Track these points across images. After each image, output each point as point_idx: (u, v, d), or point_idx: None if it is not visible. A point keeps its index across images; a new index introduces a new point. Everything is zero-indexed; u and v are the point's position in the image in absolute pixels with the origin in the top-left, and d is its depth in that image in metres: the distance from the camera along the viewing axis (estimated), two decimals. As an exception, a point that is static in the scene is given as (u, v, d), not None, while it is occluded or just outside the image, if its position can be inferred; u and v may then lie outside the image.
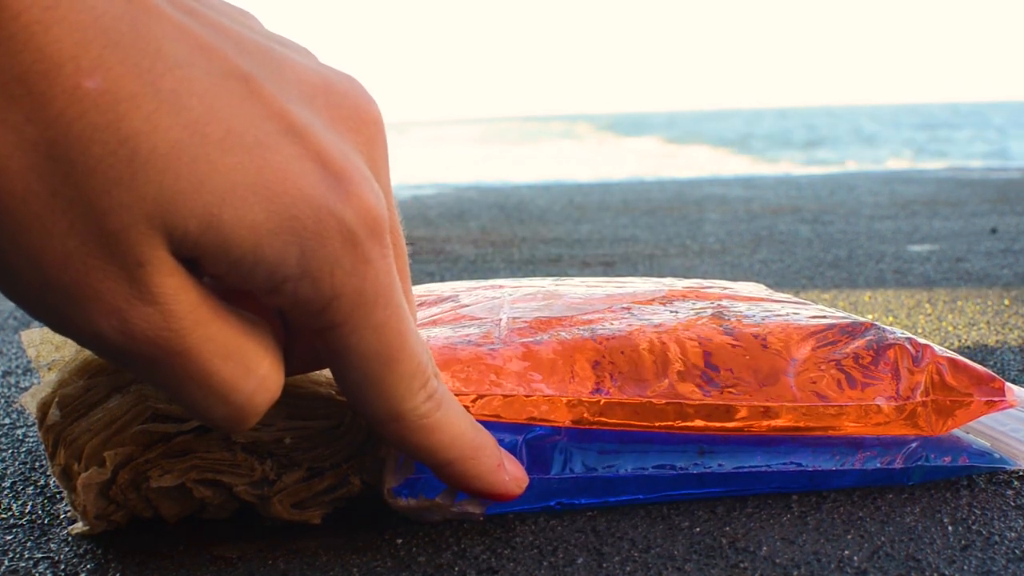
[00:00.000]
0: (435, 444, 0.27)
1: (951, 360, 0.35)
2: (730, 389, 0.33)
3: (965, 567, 0.28)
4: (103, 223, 0.20)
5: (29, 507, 0.34)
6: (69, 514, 0.33)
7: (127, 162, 0.20)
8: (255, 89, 0.22)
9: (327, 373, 0.30)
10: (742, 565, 0.29)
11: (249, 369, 0.23)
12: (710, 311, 0.36)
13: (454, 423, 0.27)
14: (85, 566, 0.29)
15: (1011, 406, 0.35)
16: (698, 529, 0.31)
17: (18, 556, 0.30)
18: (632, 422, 0.32)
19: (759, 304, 0.38)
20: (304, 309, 0.23)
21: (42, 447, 0.39)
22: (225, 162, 0.21)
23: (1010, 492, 0.34)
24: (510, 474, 0.29)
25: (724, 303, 0.38)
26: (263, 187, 0.21)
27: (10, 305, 0.75)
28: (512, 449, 0.32)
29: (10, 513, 0.33)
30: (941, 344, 0.56)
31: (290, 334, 0.25)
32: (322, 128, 0.23)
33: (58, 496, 0.35)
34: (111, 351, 0.21)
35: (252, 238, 0.21)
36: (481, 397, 0.31)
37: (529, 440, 0.32)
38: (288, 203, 0.21)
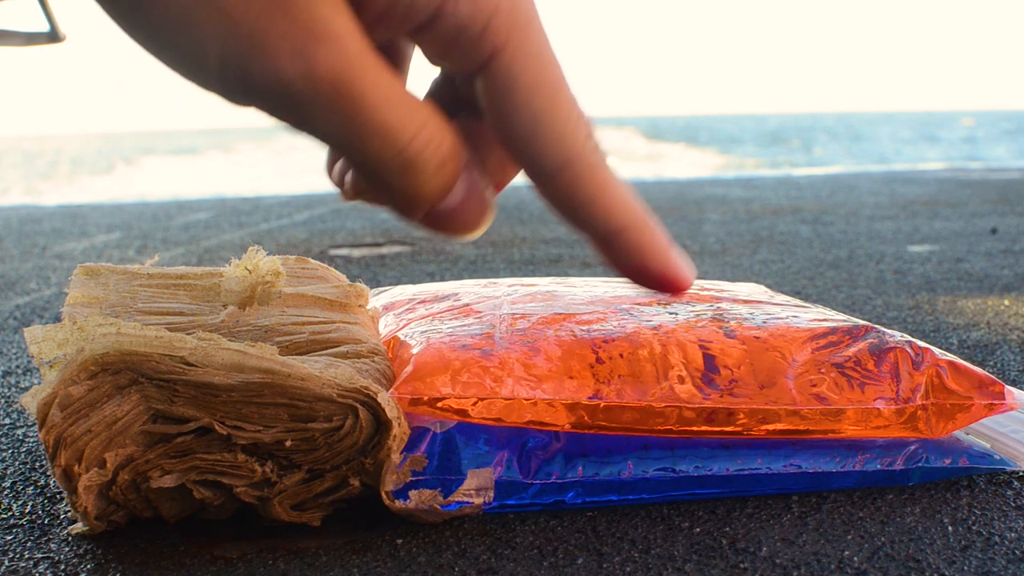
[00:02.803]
0: (608, 202, 0.26)
1: (951, 363, 0.35)
2: (730, 392, 0.33)
3: (965, 567, 0.28)
4: None
5: (29, 507, 0.34)
6: (69, 514, 0.33)
7: None
8: None
9: (330, 374, 0.30)
10: (742, 565, 0.29)
11: (412, 116, 0.24)
12: (710, 313, 0.36)
13: (621, 186, 0.27)
14: (85, 566, 0.29)
15: (1011, 409, 0.35)
16: (698, 529, 0.31)
17: (18, 556, 0.30)
18: (632, 425, 0.32)
19: (759, 306, 0.38)
20: (465, 36, 0.24)
21: (42, 447, 0.39)
22: None
23: (1010, 493, 0.34)
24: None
25: (724, 305, 0.38)
26: None
27: (10, 305, 0.75)
28: (511, 455, 0.32)
29: (10, 513, 0.34)
30: (941, 345, 0.56)
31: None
32: None
33: (58, 496, 0.35)
34: (291, 97, 0.22)
35: None
36: (481, 400, 0.31)
37: (529, 448, 0.32)
38: None
